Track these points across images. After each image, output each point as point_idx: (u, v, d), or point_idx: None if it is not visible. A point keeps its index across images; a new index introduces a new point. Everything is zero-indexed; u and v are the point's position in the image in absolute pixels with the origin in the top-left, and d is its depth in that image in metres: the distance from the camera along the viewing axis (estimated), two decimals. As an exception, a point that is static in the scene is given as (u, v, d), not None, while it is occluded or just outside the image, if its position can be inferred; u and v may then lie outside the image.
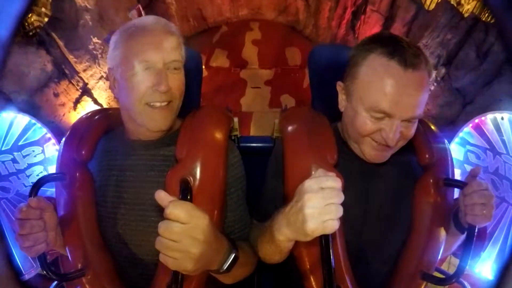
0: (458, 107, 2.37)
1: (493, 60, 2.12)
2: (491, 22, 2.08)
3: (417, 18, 2.55)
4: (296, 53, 3.79)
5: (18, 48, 2.13)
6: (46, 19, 2.43)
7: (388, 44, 0.81)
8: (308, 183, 0.65)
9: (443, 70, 2.42)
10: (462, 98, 2.37)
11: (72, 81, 2.58)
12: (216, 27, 3.88)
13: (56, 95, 2.48)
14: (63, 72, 2.50)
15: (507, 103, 1.97)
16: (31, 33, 2.34)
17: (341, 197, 0.63)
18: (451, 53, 2.34)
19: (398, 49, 0.79)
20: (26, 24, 2.39)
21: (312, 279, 0.86)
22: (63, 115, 2.53)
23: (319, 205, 0.63)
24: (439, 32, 2.36)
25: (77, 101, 2.64)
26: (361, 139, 0.87)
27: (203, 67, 3.71)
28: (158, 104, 0.86)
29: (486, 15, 2.34)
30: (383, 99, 0.80)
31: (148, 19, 0.89)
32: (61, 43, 2.41)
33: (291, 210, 0.68)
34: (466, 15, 2.33)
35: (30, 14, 2.42)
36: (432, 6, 2.43)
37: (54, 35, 2.36)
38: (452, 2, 2.43)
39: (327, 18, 3.41)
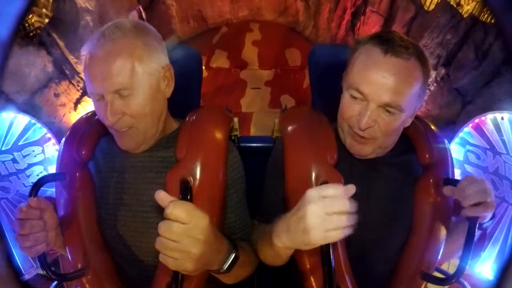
0: (458, 107, 2.38)
1: (493, 60, 2.13)
2: (490, 22, 2.09)
3: (416, 19, 2.56)
4: (296, 54, 3.79)
5: (19, 49, 2.14)
6: (46, 20, 2.43)
7: (381, 35, 0.85)
8: (309, 193, 0.65)
9: (443, 71, 2.43)
10: (462, 98, 2.37)
11: (72, 81, 2.59)
12: (216, 28, 3.89)
13: (57, 95, 2.49)
14: (63, 72, 2.51)
15: (507, 103, 1.97)
16: (31, 34, 2.34)
17: (343, 204, 0.62)
18: (450, 54, 2.35)
19: (386, 39, 0.83)
20: (27, 25, 2.39)
21: (312, 279, 0.86)
22: (64, 115, 2.54)
23: (319, 215, 0.63)
24: (438, 33, 2.37)
25: (77, 102, 2.65)
26: (344, 125, 0.89)
27: (203, 67, 3.74)
28: (118, 130, 0.85)
29: (486, 16, 2.35)
30: (361, 80, 0.83)
31: (100, 39, 0.81)
32: (61, 44, 2.42)
33: (292, 217, 0.68)
34: (465, 15, 2.34)
35: (31, 15, 2.43)
36: (432, 6, 2.44)
37: (55, 35, 2.38)
38: (452, 3, 2.44)
39: (327, 19, 3.42)
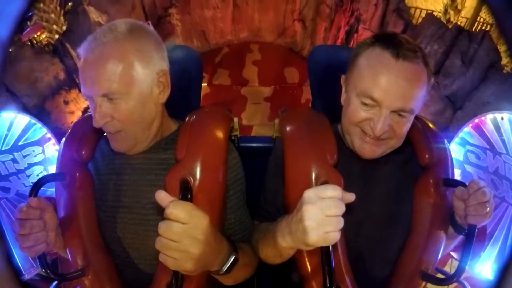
0: (450, 113, 2.48)
1: (478, 66, 2.26)
2: (475, 30, 2.24)
3: (405, 33, 2.74)
4: (294, 72, 3.98)
5: (35, 54, 2.27)
6: (57, 36, 2.57)
7: (386, 38, 0.85)
8: (307, 194, 0.65)
9: (432, 80, 2.55)
10: (452, 105, 2.49)
11: (82, 90, 2.71)
12: (218, 49, 4.11)
13: (66, 102, 2.60)
14: (74, 81, 2.64)
15: (495, 105, 2.06)
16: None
17: (341, 208, 0.63)
18: (438, 63, 2.49)
19: (394, 42, 0.82)
20: (35, 41, 2.53)
21: (312, 279, 0.85)
22: (71, 122, 2.63)
23: (317, 216, 0.63)
24: (426, 44, 2.53)
25: (85, 111, 2.75)
26: (352, 128, 0.88)
27: (206, 84, 3.91)
28: (108, 132, 0.85)
29: (479, 28, 2.51)
30: (373, 86, 0.82)
31: (91, 43, 0.80)
32: (74, 54, 2.57)
33: (292, 219, 0.69)
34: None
35: (39, 33, 2.56)
36: (419, 20, 2.62)
37: (68, 46, 2.53)
38: (442, 19, 2.62)
39: (323, 39, 3.64)
